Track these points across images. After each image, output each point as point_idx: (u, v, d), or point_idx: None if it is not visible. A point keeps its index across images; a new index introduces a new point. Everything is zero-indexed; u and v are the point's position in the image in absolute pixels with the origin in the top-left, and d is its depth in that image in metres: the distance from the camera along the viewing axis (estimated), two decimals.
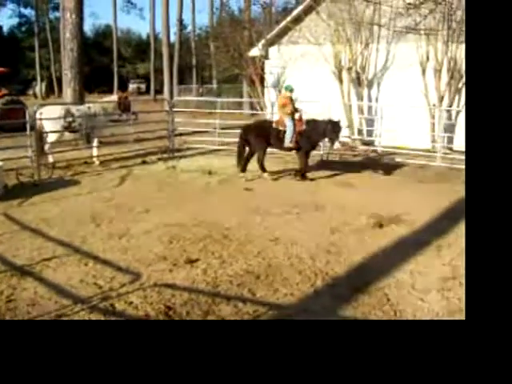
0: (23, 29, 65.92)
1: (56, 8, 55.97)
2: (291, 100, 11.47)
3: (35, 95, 50.39)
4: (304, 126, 11.28)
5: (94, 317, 4.86)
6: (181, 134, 16.51)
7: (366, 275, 5.96)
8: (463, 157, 13.04)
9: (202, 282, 5.71)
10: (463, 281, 5.81)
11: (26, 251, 6.57)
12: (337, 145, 11.04)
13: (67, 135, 12.71)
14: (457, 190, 10.32)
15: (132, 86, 57.65)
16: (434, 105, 15.58)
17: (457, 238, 7.31)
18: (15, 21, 66.00)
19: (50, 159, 12.12)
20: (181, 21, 47.74)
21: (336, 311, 5.08)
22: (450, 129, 15.13)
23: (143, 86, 58.95)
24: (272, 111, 18.02)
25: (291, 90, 11.50)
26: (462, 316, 4.98)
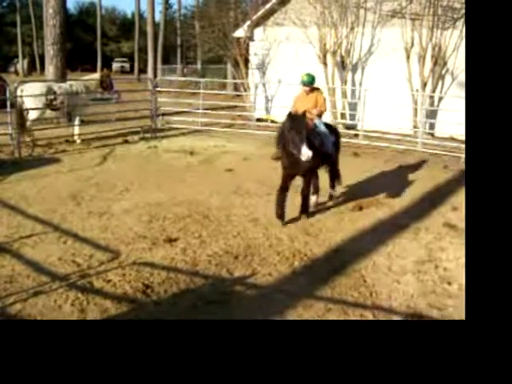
0: (4, 4, 64.66)
1: None
2: (307, 94, 7.85)
3: (17, 72, 49.64)
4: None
5: (72, 294, 4.87)
6: (164, 114, 16.40)
7: (343, 257, 6.04)
8: (444, 143, 13.19)
9: (181, 261, 5.74)
10: (439, 263, 5.92)
11: (4, 228, 6.54)
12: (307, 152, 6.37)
13: (48, 113, 12.55)
14: (436, 176, 10.46)
15: (116, 65, 56.94)
16: (417, 90, 15.64)
17: (434, 221, 7.42)
18: None
19: (31, 137, 11.99)
20: (166, 0, 47.30)
21: (313, 292, 5.14)
22: (432, 115, 15.23)
23: (127, 65, 58.15)
24: (255, 93, 17.99)
25: (304, 83, 7.83)
26: (435, 297, 5.09)
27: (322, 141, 7.38)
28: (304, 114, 6.73)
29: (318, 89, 7.96)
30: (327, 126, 7.94)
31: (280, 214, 7.07)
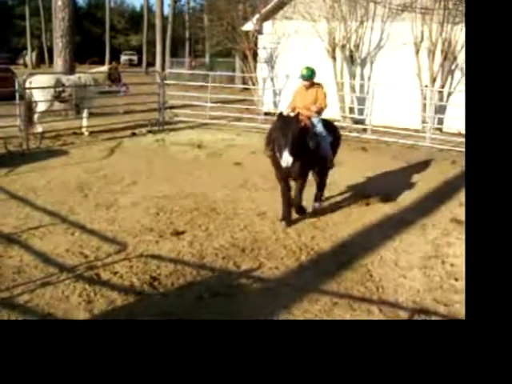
0: None
1: None
2: (307, 89, 7.23)
3: (25, 64, 49.67)
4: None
5: (79, 286, 4.89)
6: (171, 107, 16.41)
7: (350, 251, 6.03)
8: (452, 138, 13.12)
9: (188, 254, 5.76)
10: (445, 259, 5.91)
11: (12, 220, 6.58)
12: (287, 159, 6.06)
13: (57, 105, 12.59)
14: (444, 171, 10.42)
15: (124, 58, 56.97)
16: (426, 85, 15.55)
17: (441, 217, 7.40)
18: None
19: (39, 129, 12.03)
20: None
21: (319, 286, 5.14)
22: (440, 110, 15.15)
23: (135, 58, 58.16)
24: (264, 87, 17.96)
25: (303, 77, 7.18)
26: (441, 293, 5.08)
27: (319, 143, 6.91)
28: (297, 115, 6.36)
29: (318, 84, 7.30)
30: (326, 124, 7.30)
31: (286, 216, 6.82)
